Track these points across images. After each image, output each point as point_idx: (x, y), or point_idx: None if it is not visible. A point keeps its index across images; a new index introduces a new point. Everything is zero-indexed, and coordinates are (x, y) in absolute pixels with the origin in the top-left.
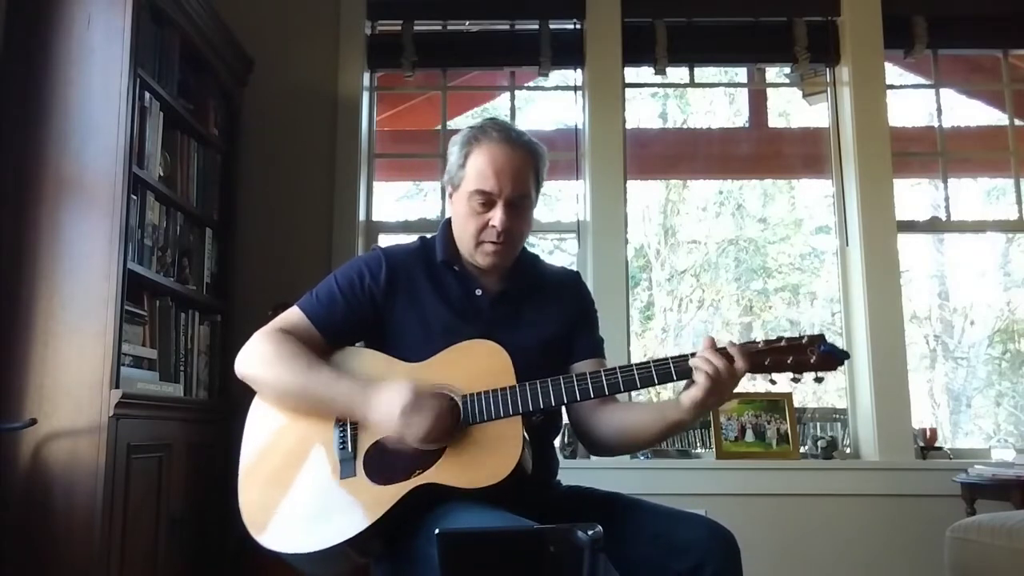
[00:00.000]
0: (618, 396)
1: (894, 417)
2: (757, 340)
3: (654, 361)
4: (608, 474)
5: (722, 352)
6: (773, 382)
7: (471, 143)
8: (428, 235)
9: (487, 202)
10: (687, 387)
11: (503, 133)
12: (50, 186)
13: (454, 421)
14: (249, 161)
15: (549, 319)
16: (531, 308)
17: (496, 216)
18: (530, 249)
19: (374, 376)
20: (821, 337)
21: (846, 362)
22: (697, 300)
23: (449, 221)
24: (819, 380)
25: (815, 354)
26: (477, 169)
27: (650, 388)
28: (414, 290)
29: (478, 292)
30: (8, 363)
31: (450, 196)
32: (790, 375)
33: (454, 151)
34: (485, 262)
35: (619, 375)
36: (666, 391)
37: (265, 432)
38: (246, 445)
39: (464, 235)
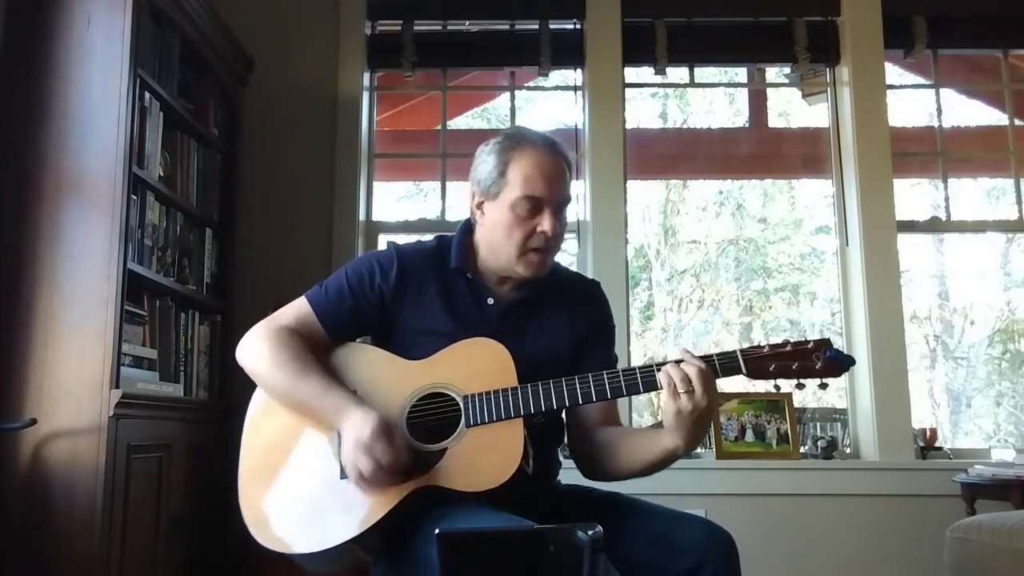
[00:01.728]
0: (618, 417)
1: (894, 417)
2: (762, 345)
3: (657, 364)
4: None
5: (682, 360)
6: (777, 388)
7: (511, 150)
8: (447, 235)
9: (534, 208)
10: (665, 404)
11: (542, 139)
12: (50, 186)
13: (393, 482)
14: (249, 161)
15: (560, 330)
16: (542, 318)
17: (545, 221)
18: None
19: (369, 385)
20: (827, 342)
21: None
22: (697, 300)
23: (466, 227)
24: (823, 387)
25: (821, 360)
26: (524, 175)
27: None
28: (422, 294)
29: (490, 301)
30: (8, 363)
31: (479, 206)
32: (795, 381)
33: (489, 160)
34: (529, 272)
35: (621, 378)
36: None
37: (265, 431)
38: (246, 444)
39: (507, 244)
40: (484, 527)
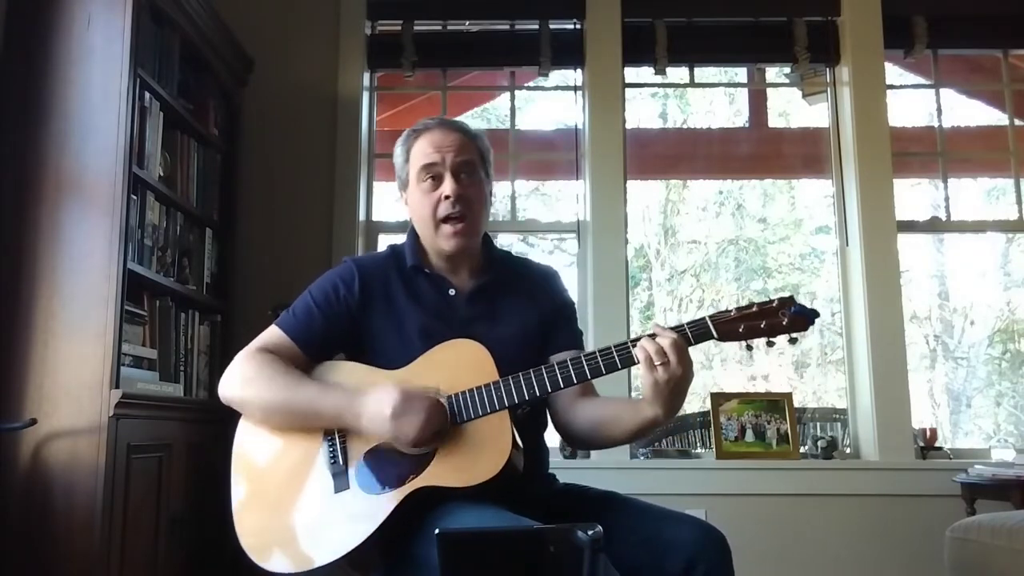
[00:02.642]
0: (594, 388)
1: (894, 417)
2: (729, 309)
3: (632, 341)
4: (607, 474)
5: (655, 332)
6: (749, 348)
7: (409, 139)
8: (397, 243)
9: (435, 176)
10: (642, 378)
11: (437, 120)
12: (50, 186)
13: (444, 421)
14: (249, 161)
15: (525, 313)
16: (506, 303)
17: (446, 184)
18: (530, 249)
19: (359, 386)
20: (791, 299)
21: (846, 363)
22: (697, 300)
23: (414, 227)
24: (793, 341)
25: (787, 316)
26: (418, 153)
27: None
28: (389, 297)
29: (451, 292)
30: (8, 363)
31: (405, 202)
32: (764, 339)
33: (398, 153)
34: (448, 245)
35: (599, 358)
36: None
37: (254, 456)
38: (236, 472)
39: (423, 222)
40: (484, 527)
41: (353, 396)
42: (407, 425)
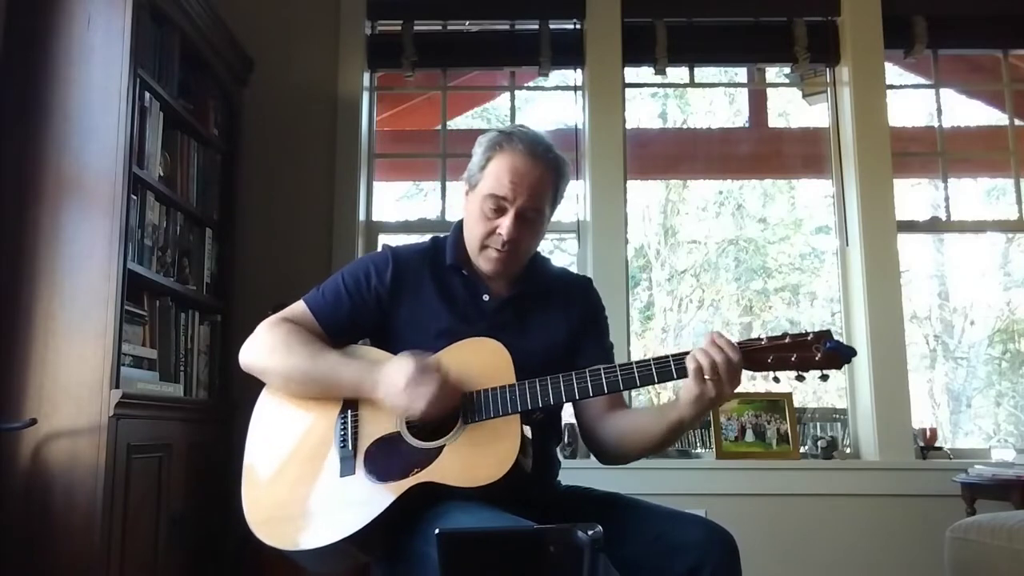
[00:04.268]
0: (624, 402)
1: (894, 417)
2: (761, 337)
3: (654, 359)
4: (608, 474)
5: (716, 345)
6: (776, 380)
7: (495, 148)
8: (441, 235)
9: (498, 208)
10: (686, 383)
11: (528, 144)
12: (50, 186)
13: (455, 398)
14: (249, 161)
15: (555, 325)
16: (538, 314)
17: (504, 224)
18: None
19: (378, 359)
20: (827, 334)
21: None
22: (697, 300)
23: (461, 225)
24: (824, 379)
25: (820, 351)
26: (495, 174)
27: (651, 388)
28: (419, 292)
29: (485, 297)
30: (8, 363)
31: (466, 195)
32: (794, 373)
33: (478, 152)
34: (486, 268)
35: (619, 373)
36: (667, 391)
37: (269, 430)
38: (250, 443)
39: (471, 237)
40: (484, 527)
41: (372, 366)
42: (419, 397)
